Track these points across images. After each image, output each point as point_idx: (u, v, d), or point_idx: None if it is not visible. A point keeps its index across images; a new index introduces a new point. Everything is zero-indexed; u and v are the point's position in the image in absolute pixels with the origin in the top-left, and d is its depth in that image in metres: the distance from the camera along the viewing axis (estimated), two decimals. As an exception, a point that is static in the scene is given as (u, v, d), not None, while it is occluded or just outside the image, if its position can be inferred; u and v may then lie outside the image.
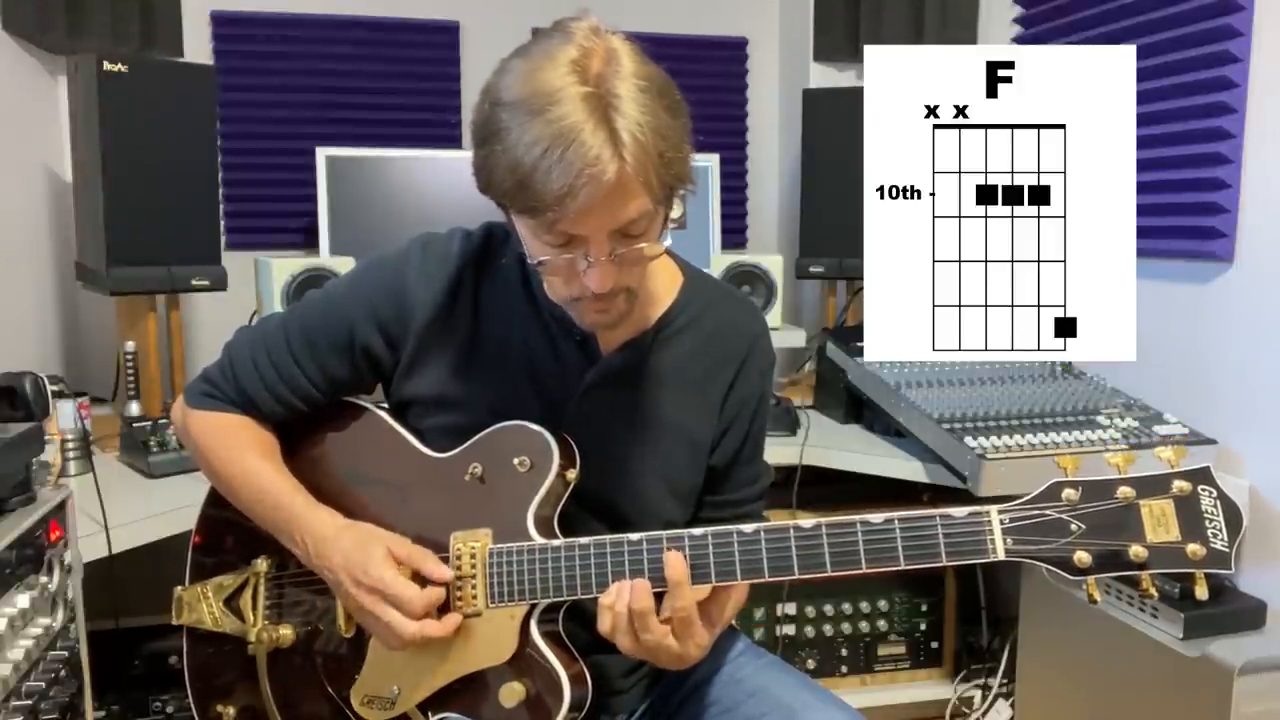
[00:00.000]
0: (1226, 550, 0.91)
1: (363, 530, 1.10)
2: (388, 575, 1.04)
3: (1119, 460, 0.94)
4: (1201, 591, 0.92)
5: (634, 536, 1.02)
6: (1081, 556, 0.92)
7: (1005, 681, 2.18)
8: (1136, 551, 0.91)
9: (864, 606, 2.24)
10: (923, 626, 2.28)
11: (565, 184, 0.90)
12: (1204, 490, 0.92)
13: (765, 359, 1.23)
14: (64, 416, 1.75)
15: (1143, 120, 2.00)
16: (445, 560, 1.08)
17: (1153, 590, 0.94)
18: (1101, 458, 0.97)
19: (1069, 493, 0.94)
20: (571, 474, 1.10)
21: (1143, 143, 2.00)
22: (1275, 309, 1.75)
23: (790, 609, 2.20)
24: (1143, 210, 2.01)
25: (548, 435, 1.09)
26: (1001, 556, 0.93)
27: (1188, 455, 0.95)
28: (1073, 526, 0.93)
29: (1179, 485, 0.92)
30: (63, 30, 2.29)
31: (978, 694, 2.24)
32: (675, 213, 1.03)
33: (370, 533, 1.09)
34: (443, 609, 1.07)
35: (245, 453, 1.17)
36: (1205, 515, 0.92)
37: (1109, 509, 0.93)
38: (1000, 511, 0.94)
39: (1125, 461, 0.94)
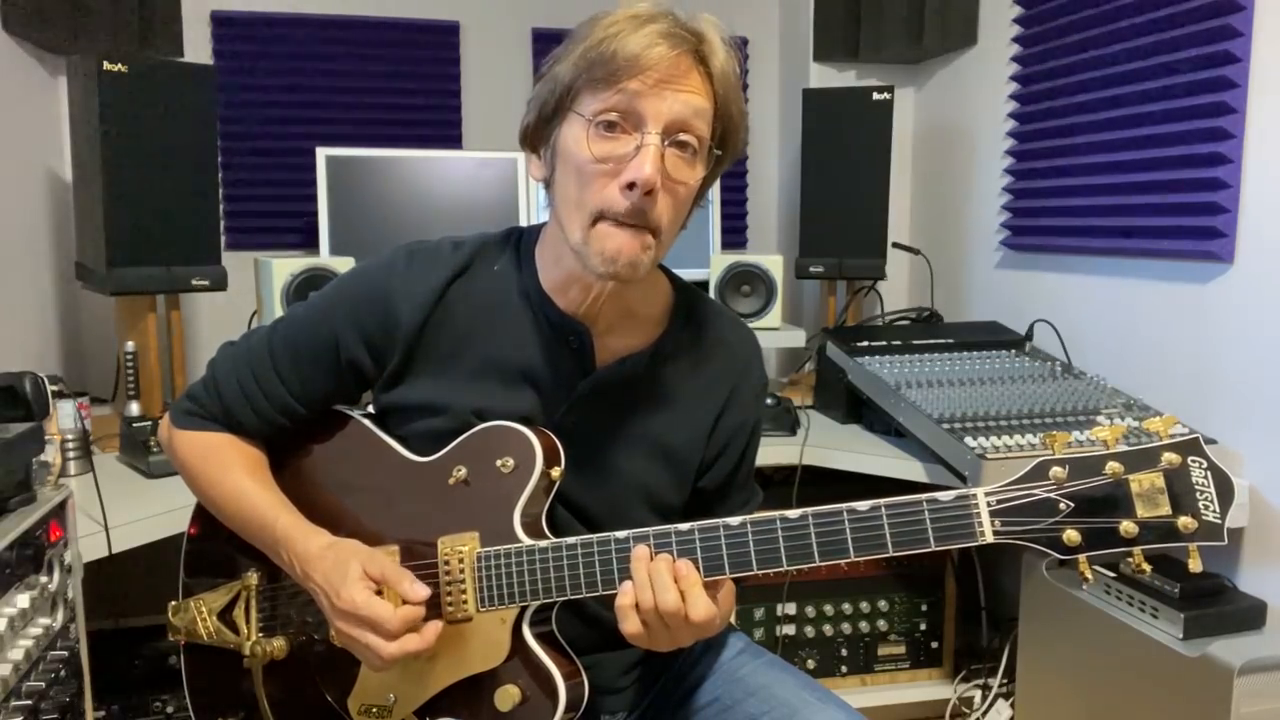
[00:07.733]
0: (1219, 521, 0.88)
1: (343, 550, 1.07)
2: (360, 597, 1.01)
3: (1107, 435, 0.92)
4: (1195, 565, 0.89)
5: (620, 535, 1.01)
6: (1071, 535, 0.89)
7: (1005, 681, 2.18)
8: (1127, 527, 0.89)
9: (864, 606, 2.24)
10: (923, 626, 2.28)
11: (644, 44, 0.97)
12: (1194, 462, 0.89)
13: (758, 382, 1.24)
14: (64, 416, 1.75)
15: (1143, 120, 2.01)
16: (433, 567, 1.08)
17: (1145, 566, 0.91)
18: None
19: (1056, 471, 0.91)
20: (556, 472, 1.09)
21: (1143, 143, 2.01)
22: (1275, 309, 1.75)
23: (790, 609, 2.19)
24: (1143, 210, 2.02)
25: (530, 434, 1.08)
26: (990, 539, 0.91)
27: (1177, 424, 0.92)
28: (1061, 505, 0.90)
29: (1168, 458, 0.89)
30: (63, 30, 2.29)
31: (978, 694, 2.23)
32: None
33: (350, 551, 1.07)
34: (430, 615, 1.05)
35: (231, 471, 1.16)
36: (1196, 487, 0.89)
37: (1098, 486, 0.90)
38: (988, 494, 0.92)
39: (1113, 436, 0.91)
